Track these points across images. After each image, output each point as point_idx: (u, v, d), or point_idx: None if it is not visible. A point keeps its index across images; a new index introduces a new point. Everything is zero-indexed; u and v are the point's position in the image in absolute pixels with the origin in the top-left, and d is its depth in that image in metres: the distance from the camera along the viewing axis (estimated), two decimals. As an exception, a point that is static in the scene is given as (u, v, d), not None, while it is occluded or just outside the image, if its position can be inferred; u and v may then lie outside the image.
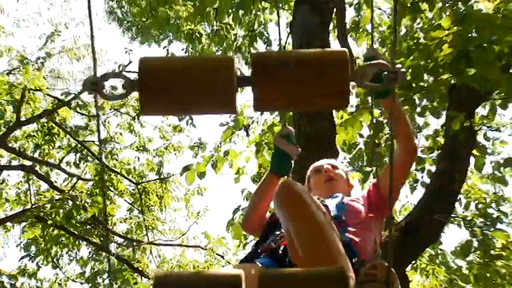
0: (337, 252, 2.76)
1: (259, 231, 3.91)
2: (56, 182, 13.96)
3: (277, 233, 3.50)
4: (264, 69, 2.21)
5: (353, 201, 3.78)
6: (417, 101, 7.95)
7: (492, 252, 8.78)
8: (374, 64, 2.36)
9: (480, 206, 9.39)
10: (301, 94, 2.33)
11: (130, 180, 13.93)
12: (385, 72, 2.28)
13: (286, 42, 10.82)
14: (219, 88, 2.28)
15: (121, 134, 14.30)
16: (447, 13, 7.83)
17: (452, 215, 8.71)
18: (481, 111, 8.78)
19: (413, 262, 9.04)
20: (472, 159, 8.33)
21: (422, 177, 8.49)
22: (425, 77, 7.52)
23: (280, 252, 3.28)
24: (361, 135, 8.38)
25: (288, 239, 2.99)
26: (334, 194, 3.87)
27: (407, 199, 10.10)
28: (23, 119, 13.39)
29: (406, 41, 8.04)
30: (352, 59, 8.51)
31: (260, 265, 3.20)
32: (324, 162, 4.17)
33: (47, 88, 14.12)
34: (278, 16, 10.04)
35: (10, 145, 13.57)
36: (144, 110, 2.41)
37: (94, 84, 2.34)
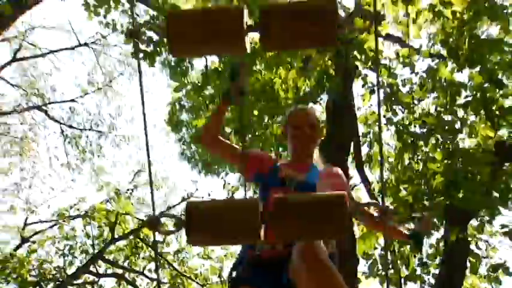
0: None
1: (215, 148, 3.64)
2: (140, 285, 13.87)
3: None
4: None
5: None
6: (419, 219, 7.71)
7: None
8: (366, 203, 2.35)
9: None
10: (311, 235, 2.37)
11: (197, 283, 13.74)
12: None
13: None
14: (246, 225, 2.24)
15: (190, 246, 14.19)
16: (439, 148, 7.78)
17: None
18: (474, 222, 8.52)
19: None
20: (469, 263, 8.12)
21: (428, 279, 8.17)
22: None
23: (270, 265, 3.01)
24: (375, 248, 8.13)
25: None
26: (307, 162, 3.51)
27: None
28: (116, 236, 13.48)
29: (408, 171, 7.99)
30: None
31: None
32: (304, 121, 3.51)
33: (134, 212, 14.23)
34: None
35: (106, 257, 13.61)
36: (190, 242, 2.40)
37: (151, 223, 2.33)
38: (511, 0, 8.29)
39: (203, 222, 2.31)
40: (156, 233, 2.54)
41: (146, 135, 2.64)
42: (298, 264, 2.74)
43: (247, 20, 2.31)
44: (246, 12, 2.31)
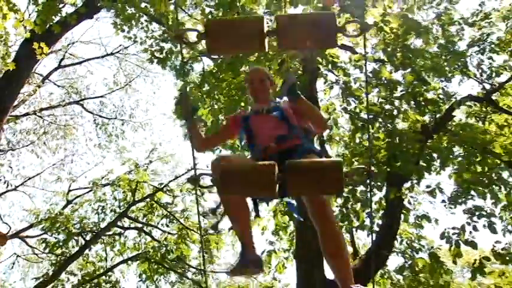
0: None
1: (209, 148, 3.73)
2: (155, 236, 13.85)
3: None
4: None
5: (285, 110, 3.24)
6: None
7: (417, 269, 8.46)
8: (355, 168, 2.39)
9: (409, 242, 9.10)
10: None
11: (198, 234, 13.70)
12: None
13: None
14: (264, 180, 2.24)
15: (192, 206, 14.17)
16: (382, 129, 7.88)
17: (394, 249, 8.49)
18: (407, 184, 8.62)
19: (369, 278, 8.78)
20: (402, 215, 8.27)
21: (373, 227, 8.22)
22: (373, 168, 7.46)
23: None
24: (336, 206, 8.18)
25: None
26: (266, 100, 3.36)
27: (366, 240, 9.71)
28: (136, 199, 13.48)
29: (359, 147, 8.08)
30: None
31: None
32: (255, 77, 3.42)
33: (149, 181, 14.20)
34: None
35: (129, 215, 13.60)
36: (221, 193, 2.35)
37: (195, 180, 2.33)
38: (429, 21, 8.52)
39: (233, 181, 2.29)
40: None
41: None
42: (313, 221, 2.74)
43: (266, 27, 2.37)
44: (265, 20, 2.38)
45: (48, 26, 8.45)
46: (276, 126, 3.12)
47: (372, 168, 2.34)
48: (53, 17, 8.39)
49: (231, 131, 3.50)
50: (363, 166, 2.45)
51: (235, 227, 3.03)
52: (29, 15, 10.88)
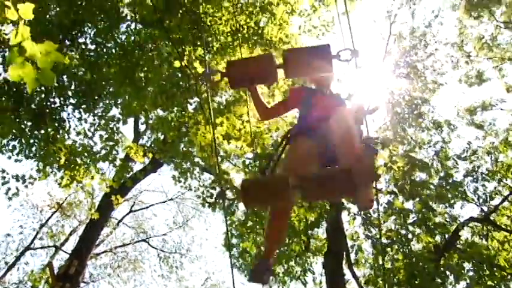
0: None
1: (272, 118, 3.17)
2: None
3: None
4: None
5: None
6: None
7: None
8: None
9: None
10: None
11: None
12: None
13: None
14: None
15: None
16: (400, 251, 7.80)
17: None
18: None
19: None
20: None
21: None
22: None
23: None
24: None
25: None
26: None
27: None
28: None
29: (381, 268, 7.95)
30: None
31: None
32: None
33: None
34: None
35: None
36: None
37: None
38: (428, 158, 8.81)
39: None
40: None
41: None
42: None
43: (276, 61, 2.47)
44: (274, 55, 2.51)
45: (122, 181, 9.10)
46: (333, 107, 2.83)
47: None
48: (126, 174, 9.07)
49: (293, 102, 3.16)
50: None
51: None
52: (109, 173, 11.72)
